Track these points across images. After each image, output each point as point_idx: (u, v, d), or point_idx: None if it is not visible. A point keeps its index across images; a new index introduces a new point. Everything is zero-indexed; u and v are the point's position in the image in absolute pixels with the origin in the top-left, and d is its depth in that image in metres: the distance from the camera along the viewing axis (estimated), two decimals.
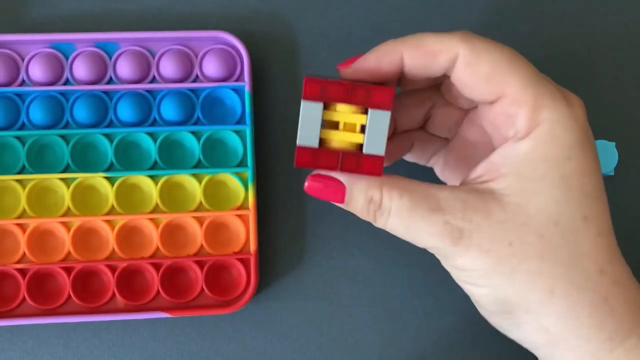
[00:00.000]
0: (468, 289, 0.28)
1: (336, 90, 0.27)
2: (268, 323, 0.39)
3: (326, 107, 0.27)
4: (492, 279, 0.27)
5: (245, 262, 0.38)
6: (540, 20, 0.41)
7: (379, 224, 0.29)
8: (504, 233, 0.26)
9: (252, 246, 0.38)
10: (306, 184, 0.29)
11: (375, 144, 0.27)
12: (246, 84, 0.39)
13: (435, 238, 0.27)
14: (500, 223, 0.26)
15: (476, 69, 0.27)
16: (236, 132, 0.39)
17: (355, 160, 0.27)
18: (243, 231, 0.38)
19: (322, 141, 0.28)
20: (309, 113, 0.27)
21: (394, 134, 0.34)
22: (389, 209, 0.28)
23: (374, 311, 0.39)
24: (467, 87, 0.28)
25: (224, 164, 0.39)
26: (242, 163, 0.39)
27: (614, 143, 0.39)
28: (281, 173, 0.40)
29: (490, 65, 0.27)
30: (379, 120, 0.27)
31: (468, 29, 0.41)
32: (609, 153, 0.39)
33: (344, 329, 0.39)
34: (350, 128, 0.28)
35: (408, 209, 0.27)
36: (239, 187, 0.38)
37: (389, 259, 0.39)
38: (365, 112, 0.27)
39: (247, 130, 0.38)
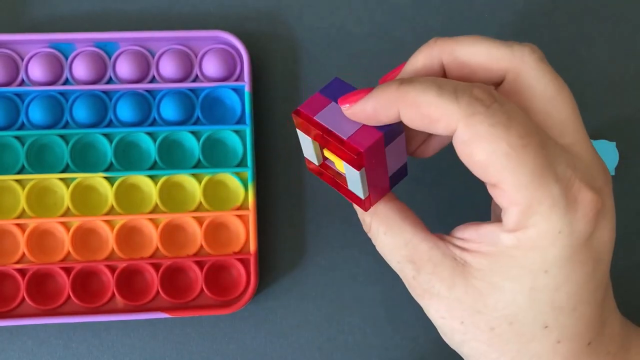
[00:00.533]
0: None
1: (315, 133, 0.26)
2: (268, 323, 0.39)
3: None
4: (446, 338, 0.28)
5: (245, 262, 0.38)
6: (541, 19, 0.41)
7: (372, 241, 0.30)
8: (459, 311, 0.26)
9: (252, 246, 0.37)
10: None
11: (355, 189, 0.27)
12: (246, 84, 0.38)
13: (405, 282, 0.28)
14: (458, 301, 0.26)
15: (472, 153, 0.24)
16: (236, 132, 0.39)
17: (344, 189, 0.28)
18: (243, 231, 0.38)
19: (326, 158, 0.28)
20: (305, 141, 0.27)
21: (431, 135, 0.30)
22: (375, 238, 0.29)
23: (374, 311, 0.39)
24: (463, 162, 0.25)
25: (223, 164, 0.39)
26: (242, 163, 0.39)
27: (614, 143, 0.39)
28: (281, 173, 0.40)
29: (487, 155, 0.23)
30: (351, 173, 0.26)
31: (466, 26, 0.41)
32: (609, 153, 0.39)
33: (344, 329, 0.39)
34: (337, 160, 0.27)
35: (389, 248, 0.28)
36: (238, 187, 0.38)
37: None
38: None
39: (247, 130, 0.38)
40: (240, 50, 0.39)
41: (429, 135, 0.29)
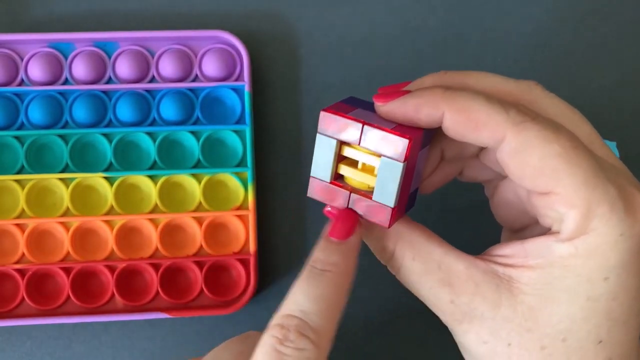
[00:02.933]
0: (465, 356, 0.28)
1: (350, 129, 0.24)
2: (268, 323, 0.39)
3: (346, 142, 0.25)
4: None
5: (244, 263, 0.38)
6: (541, 20, 0.41)
7: (390, 270, 0.27)
8: (506, 332, 0.24)
9: (252, 246, 0.37)
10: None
11: (385, 194, 0.25)
12: (246, 84, 0.38)
13: (439, 311, 0.26)
14: (505, 321, 0.24)
15: (523, 161, 0.23)
16: (236, 132, 0.39)
17: (364, 206, 0.25)
18: (242, 231, 0.38)
19: (339, 176, 0.26)
20: (323, 147, 0.25)
21: (442, 160, 0.29)
22: (399, 266, 0.26)
23: (374, 311, 0.39)
24: (511, 173, 0.24)
25: (223, 164, 0.39)
26: (241, 163, 0.39)
27: (614, 143, 0.39)
28: (281, 173, 0.40)
29: (541, 158, 0.23)
30: (391, 170, 0.24)
31: (466, 27, 0.41)
32: None
33: (344, 329, 0.39)
34: (369, 169, 0.25)
35: (418, 274, 0.26)
36: (238, 187, 0.38)
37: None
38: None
39: (247, 130, 0.38)
40: (240, 50, 0.39)
41: (434, 170, 0.29)
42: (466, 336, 0.25)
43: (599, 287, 0.23)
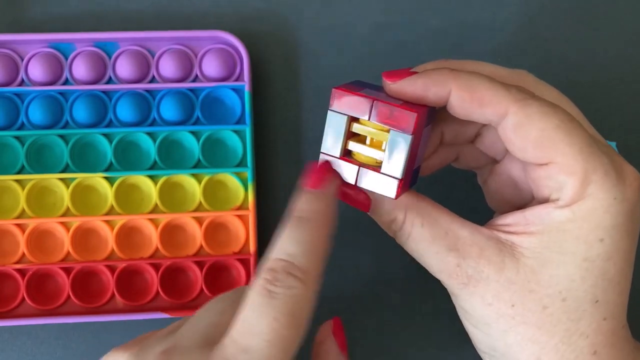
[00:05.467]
0: (467, 326, 0.29)
1: (360, 105, 0.26)
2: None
3: (355, 119, 0.27)
4: (488, 328, 0.27)
5: (245, 263, 0.38)
6: (541, 19, 0.41)
7: (398, 241, 0.29)
8: (509, 294, 0.26)
9: (252, 246, 0.37)
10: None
11: (393, 167, 0.26)
12: (246, 84, 0.38)
13: (445, 275, 0.27)
14: (509, 282, 0.26)
15: (525, 133, 0.25)
16: (236, 132, 0.39)
17: (372, 179, 0.27)
18: (243, 231, 0.38)
19: (347, 152, 0.28)
20: (334, 124, 0.27)
21: (440, 144, 0.32)
22: (409, 234, 0.28)
23: (374, 311, 0.39)
24: (513, 147, 0.26)
25: (223, 164, 0.39)
26: (241, 163, 0.39)
27: (614, 143, 0.39)
28: (281, 173, 0.40)
29: (541, 130, 0.25)
30: (399, 143, 0.26)
31: (466, 26, 0.41)
32: None
33: (344, 329, 0.39)
34: (377, 144, 0.27)
35: (426, 240, 0.27)
36: (238, 187, 0.38)
37: (388, 259, 0.39)
38: None
39: (247, 130, 0.38)
40: (240, 50, 0.39)
41: (434, 152, 0.31)
42: (471, 299, 0.27)
43: (595, 248, 0.25)
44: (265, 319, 0.24)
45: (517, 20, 0.41)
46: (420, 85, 0.26)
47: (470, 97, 0.26)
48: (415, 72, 0.27)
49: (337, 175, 0.27)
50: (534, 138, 0.25)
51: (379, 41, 0.41)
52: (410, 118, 0.25)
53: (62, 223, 0.38)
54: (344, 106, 0.26)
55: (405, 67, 0.41)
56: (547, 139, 0.25)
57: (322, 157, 0.28)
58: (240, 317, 0.24)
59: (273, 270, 0.25)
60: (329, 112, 0.27)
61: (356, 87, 0.27)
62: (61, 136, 0.38)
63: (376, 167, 0.27)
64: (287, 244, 0.25)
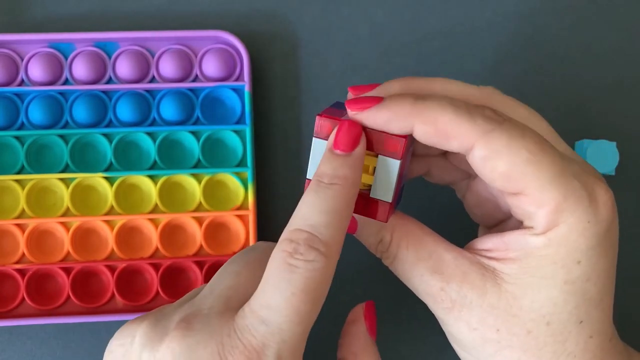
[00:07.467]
0: (456, 350, 0.29)
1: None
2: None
3: None
4: (476, 352, 0.27)
5: None
6: (540, 20, 0.41)
7: (385, 263, 0.29)
8: (493, 318, 0.26)
9: None
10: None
11: (383, 190, 0.26)
12: (246, 84, 0.38)
13: (430, 299, 0.27)
14: (492, 308, 0.26)
15: (493, 167, 0.25)
16: (236, 132, 0.39)
17: (362, 203, 0.27)
18: (243, 231, 0.38)
19: None
20: (320, 150, 0.27)
21: (412, 155, 0.31)
22: (395, 255, 0.28)
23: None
24: (483, 177, 0.26)
25: (223, 164, 0.39)
26: (241, 163, 0.39)
27: (614, 143, 0.39)
28: (281, 173, 0.40)
29: (509, 164, 0.25)
30: (388, 167, 0.26)
31: (466, 26, 0.41)
32: (609, 153, 0.39)
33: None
34: (365, 169, 0.27)
35: (411, 263, 0.27)
36: (238, 187, 0.38)
37: None
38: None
39: (247, 130, 0.38)
40: (240, 50, 0.39)
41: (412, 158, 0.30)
42: (457, 324, 0.27)
43: (573, 270, 0.25)
44: (283, 294, 0.24)
45: (516, 20, 0.41)
46: (383, 120, 0.25)
47: (435, 131, 0.25)
48: (379, 99, 0.26)
49: (363, 136, 0.27)
50: (502, 172, 0.25)
51: (379, 41, 0.41)
52: (398, 143, 0.25)
53: (62, 223, 0.38)
54: (328, 133, 0.26)
55: (403, 66, 0.41)
56: (515, 172, 0.25)
57: (307, 183, 0.27)
58: (260, 288, 0.24)
59: (294, 242, 0.24)
60: (313, 139, 0.26)
61: (340, 111, 0.27)
62: (61, 136, 0.38)
63: (364, 190, 0.27)
64: (310, 213, 0.25)
